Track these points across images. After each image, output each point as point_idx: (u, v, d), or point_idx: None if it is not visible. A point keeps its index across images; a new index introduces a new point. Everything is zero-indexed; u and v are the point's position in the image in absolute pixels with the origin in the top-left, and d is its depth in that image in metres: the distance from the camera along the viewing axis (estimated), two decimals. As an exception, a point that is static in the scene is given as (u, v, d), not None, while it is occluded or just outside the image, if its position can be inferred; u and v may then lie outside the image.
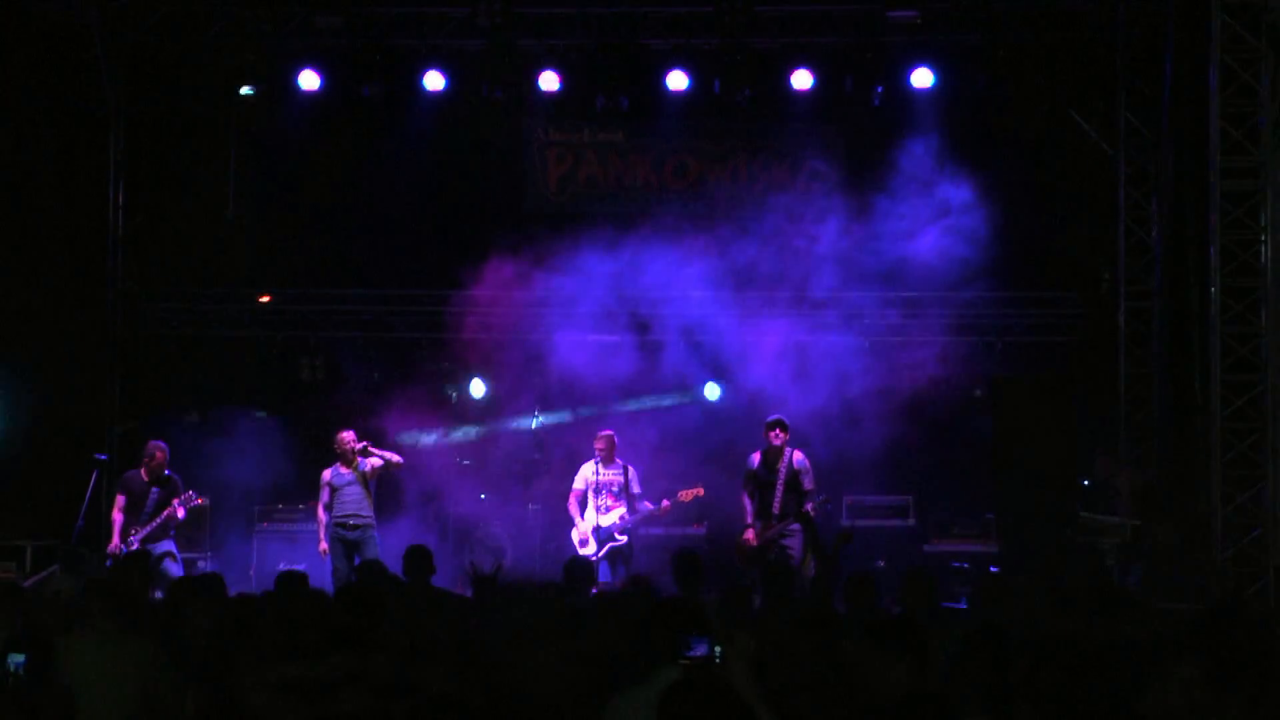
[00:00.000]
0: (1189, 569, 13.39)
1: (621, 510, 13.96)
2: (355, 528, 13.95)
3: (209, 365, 17.29)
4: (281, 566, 14.20)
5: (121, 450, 16.21)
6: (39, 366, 15.94)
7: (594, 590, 9.99)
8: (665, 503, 14.00)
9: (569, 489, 14.27)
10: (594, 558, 13.78)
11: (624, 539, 13.91)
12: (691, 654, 5.02)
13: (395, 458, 14.26)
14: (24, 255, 15.91)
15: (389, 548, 14.45)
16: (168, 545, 13.40)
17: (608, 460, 14.07)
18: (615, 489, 14.00)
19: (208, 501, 15.36)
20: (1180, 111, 14.66)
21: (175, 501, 13.40)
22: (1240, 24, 12.76)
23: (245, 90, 16.68)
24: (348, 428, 14.37)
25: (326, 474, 14.17)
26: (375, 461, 14.11)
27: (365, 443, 14.20)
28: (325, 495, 14.12)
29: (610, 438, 14.17)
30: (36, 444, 15.72)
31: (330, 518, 14.04)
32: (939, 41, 16.19)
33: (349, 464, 14.10)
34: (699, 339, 16.85)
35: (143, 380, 17.34)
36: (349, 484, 14.08)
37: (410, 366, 17.23)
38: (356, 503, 14.04)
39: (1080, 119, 16.49)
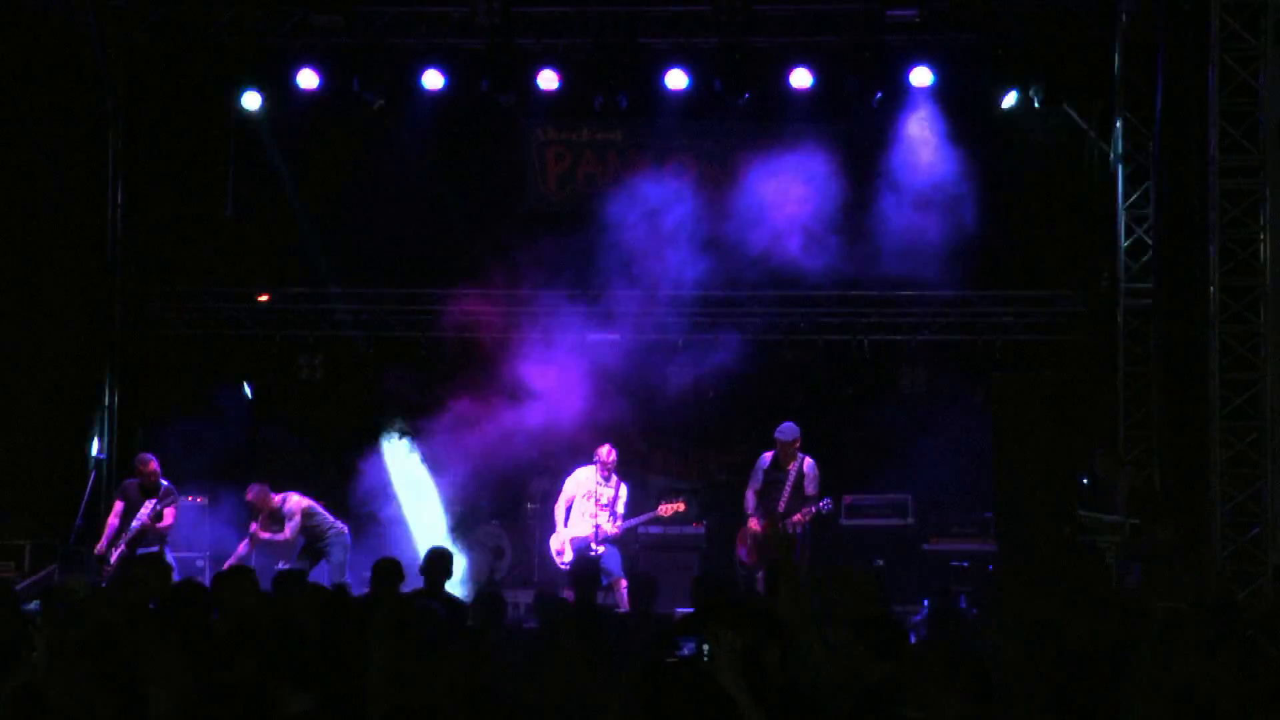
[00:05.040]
0: (1188, 568, 13.38)
1: (601, 522, 13.96)
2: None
3: (208, 364, 17.29)
4: (280, 566, 14.24)
5: (120, 451, 16.22)
6: (38, 364, 15.94)
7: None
8: (620, 527, 14.04)
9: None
10: (568, 567, 13.87)
11: (600, 549, 13.91)
12: (679, 653, 5.03)
13: (281, 538, 13.86)
14: (23, 253, 15.91)
15: (389, 547, 14.50)
16: (156, 548, 13.48)
17: (606, 473, 14.08)
18: (604, 501, 14.02)
19: (205, 500, 15.39)
20: (1177, 110, 14.64)
21: (159, 506, 13.48)
22: (1239, 22, 12.75)
23: (248, 104, 16.57)
24: (254, 484, 14.09)
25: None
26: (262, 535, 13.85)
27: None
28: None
29: (612, 452, 14.16)
30: (36, 442, 15.72)
31: None
32: (938, 40, 16.19)
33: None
34: (697, 337, 16.88)
35: (141, 379, 17.34)
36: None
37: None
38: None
39: (1078, 117, 16.47)
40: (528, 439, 16.20)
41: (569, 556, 13.98)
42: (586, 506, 14.05)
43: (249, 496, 13.94)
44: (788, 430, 14.11)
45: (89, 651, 6.57)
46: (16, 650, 6.91)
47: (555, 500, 14.36)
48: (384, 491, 15.89)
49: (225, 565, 13.59)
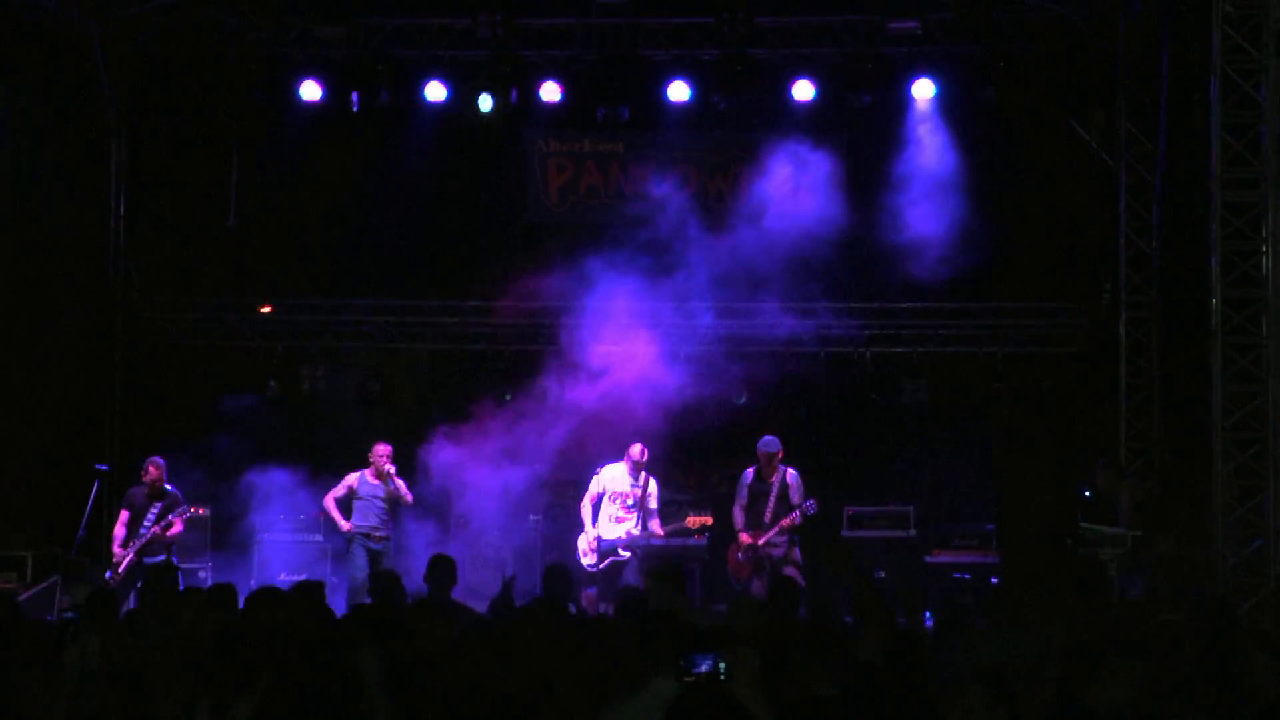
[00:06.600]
0: (1190, 580, 13.38)
1: (629, 525, 14.00)
2: (381, 539, 14.11)
3: (210, 375, 17.28)
4: (283, 577, 14.25)
5: (123, 462, 16.19)
6: (41, 375, 15.93)
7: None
8: (660, 531, 14.12)
9: (575, 499, 14.32)
10: (594, 569, 13.87)
11: (626, 554, 13.95)
12: (696, 670, 5.01)
13: (408, 496, 14.41)
14: (26, 264, 15.90)
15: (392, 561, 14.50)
16: (163, 557, 13.50)
17: (636, 472, 14.11)
18: (631, 501, 14.05)
19: (208, 512, 15.36)
20: (1179, 122, 14.66)
21: (170, 516, 13.52)
22: (1241, 35, 12.76)
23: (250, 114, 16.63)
24: (386, 441, 14.42)
25: (354, 478, 14.23)
26: (401, 485, 14.21)
27: (395, 466, 14.29)
28: (342, 491, 14.23)
29: (645, 451, 14.19)
30: (38, 454, 15.70)
31: (354, 525, 14.13)
32: (939, 52, 16.20)
33: (381, 478, 14.15)
34: (696, 347, 16.86)
35: (143, 389, 17.32)
36: (376, 497, 14.16)
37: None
38: (380, 516, 14.21)
39: (1080, 129, 16.49)
40: (530, 452, 16.21)
41: (593, 559, 13.98)
42: (613, 508, 14.07)
43: (385, 447, 14.26)
44: (769, 443, 14.14)
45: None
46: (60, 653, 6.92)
47: (579, 503, 14.35)
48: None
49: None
